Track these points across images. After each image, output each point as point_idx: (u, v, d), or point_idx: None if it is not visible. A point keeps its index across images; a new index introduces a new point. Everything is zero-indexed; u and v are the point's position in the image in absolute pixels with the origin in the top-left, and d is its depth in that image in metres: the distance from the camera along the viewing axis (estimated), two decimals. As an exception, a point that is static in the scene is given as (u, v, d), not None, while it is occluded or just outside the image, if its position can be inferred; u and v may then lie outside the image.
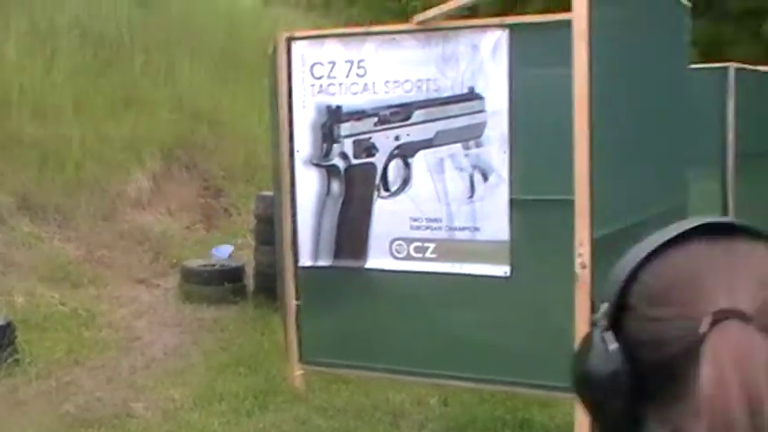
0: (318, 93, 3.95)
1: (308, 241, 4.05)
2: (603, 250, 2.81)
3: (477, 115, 3.69)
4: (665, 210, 3.29)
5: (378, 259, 3.90)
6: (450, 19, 3.81)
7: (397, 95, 3.80)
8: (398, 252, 3.85)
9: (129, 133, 7.58)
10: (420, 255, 3.80)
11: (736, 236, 0.72)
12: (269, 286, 5.57)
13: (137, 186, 7.47)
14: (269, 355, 4.89)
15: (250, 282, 6.26)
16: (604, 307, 0.71)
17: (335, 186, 3.97)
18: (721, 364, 0.64)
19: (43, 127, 6.98)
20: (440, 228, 3.76)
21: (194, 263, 6.35)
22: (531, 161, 3.61)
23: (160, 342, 5.32)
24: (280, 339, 4.73)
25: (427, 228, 3.78)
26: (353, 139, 3.90)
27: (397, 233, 3.84)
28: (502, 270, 3.62)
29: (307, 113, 3.99)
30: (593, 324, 0.73)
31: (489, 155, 3.67)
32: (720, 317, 0.65)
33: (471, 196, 3.70)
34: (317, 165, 3.99)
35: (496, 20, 3.77)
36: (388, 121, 3.82)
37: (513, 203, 3.62)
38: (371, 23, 4.76)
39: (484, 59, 3.67)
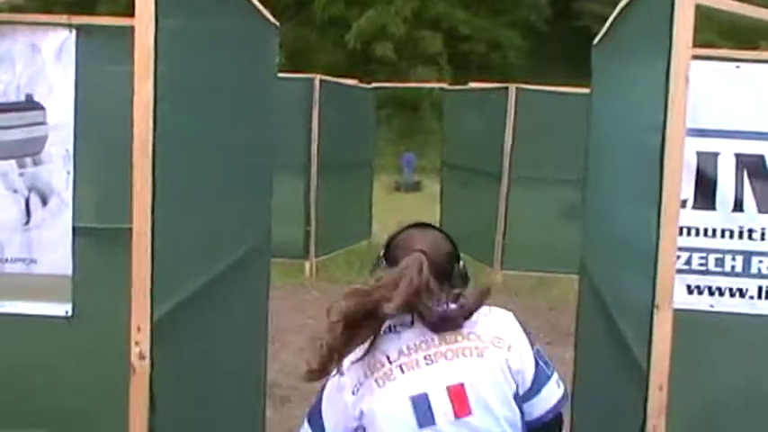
0: None
1: None
2: (170, 329, 2.47)
3: (36, 128, 3.15)
4: (248, 250, 3.06)
5: None
6: (6, 12, 3.22)
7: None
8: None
9: None
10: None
11: (424, 226, 2.33)
12: None
13: None
14: None
15: None
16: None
17: None
18: (407, 261, 2.14)
19: None
20: (-12, 259, 3.16)
21: None
22: (99, 183, 3.16)
23: None
24: None
25: (-28, 258, 3.16)
26: None
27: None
28: (63, 309, 3.13)
29: None
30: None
31: (50, 175, 3.14)
32: (416, 250, 2.17)
33: (27, 223, 3.15)
34: None
35: (63, 17, 3.25)
36: None
37: (77, 232, 3.13)
38: None
39: (46, 63, 3.14)
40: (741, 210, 2.84)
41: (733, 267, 2.85)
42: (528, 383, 2.12)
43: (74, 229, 3.13)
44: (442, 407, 2.03)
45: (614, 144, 3.41)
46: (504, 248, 9.92)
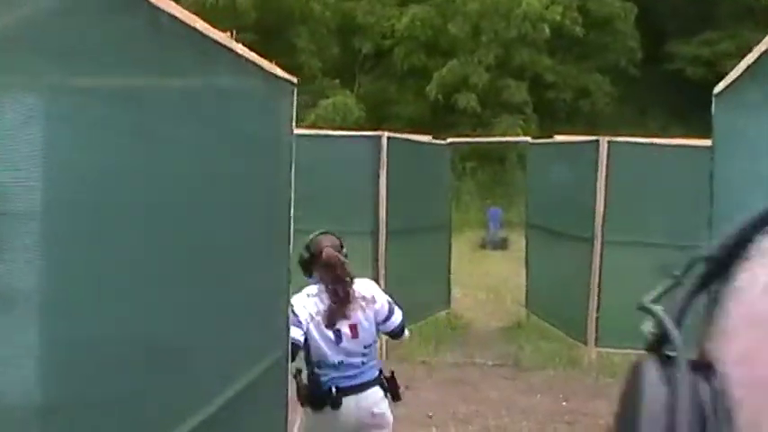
0: None
1: None
2: None
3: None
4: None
5: None
6: None
7: None
8: None
9: None
10: None
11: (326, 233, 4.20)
12: None
13: None
14: None
15: None
16: None
17: None
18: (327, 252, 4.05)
19: None
20: None
21: None
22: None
23: None
24: None
25: None
26: None
27: None
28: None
29: None
30: None
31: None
32: (321, 247, 4.03)
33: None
34: None
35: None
36: None
37: None
38: None
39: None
40: None
41: None
42: (385, 314, 4.14)
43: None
44: (346, 333, 4.02)
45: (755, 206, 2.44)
46: (597, 323, 8.73)
